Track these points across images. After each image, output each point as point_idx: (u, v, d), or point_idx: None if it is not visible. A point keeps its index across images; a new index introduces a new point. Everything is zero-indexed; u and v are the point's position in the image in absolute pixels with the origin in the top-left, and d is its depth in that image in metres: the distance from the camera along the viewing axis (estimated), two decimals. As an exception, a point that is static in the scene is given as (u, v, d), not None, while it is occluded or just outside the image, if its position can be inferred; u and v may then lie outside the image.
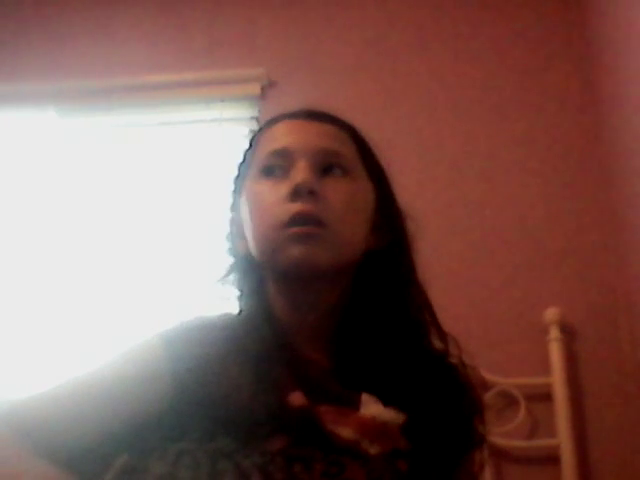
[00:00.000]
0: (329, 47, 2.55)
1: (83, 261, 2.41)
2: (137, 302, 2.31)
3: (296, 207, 0.91)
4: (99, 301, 2.34)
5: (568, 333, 2.16)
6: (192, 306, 1.97)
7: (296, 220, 0.91)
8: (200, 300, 2.06)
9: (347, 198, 0.95)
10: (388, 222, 1.01)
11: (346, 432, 0.86)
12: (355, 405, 0.89)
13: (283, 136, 0.99)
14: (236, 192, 1.05)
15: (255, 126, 2.46)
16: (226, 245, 1.05)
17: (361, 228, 0.97)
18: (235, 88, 2.53)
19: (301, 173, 0.93)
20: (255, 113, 2.50)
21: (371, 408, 0.89)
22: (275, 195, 0.94)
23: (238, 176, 1.06)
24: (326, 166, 0.96)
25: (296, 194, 0.92)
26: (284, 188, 0.93)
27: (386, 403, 0.90)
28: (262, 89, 2.49)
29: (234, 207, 1.05)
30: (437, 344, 1.00)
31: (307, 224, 0.91)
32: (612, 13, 2.18)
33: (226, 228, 1.06)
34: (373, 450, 0.87)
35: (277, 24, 2.59)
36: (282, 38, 2.57)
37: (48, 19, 2.64)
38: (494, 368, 2.03)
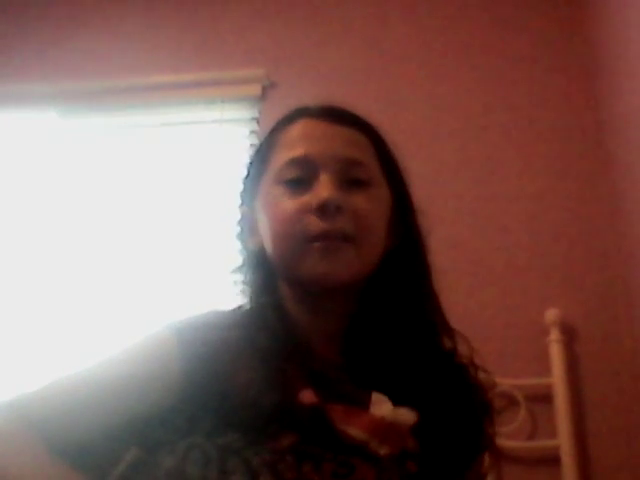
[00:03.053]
0: (329, 48, 2.55)
1: (85, 261, 2.41)
2: (139, 301, 2.31)
3: (323, 225, 0.91)
4: (102, 301, 2.34)
5: (568, 334, 2.17)
6: (196, 303, 1.98)
7: (321, 237, 0.91)
8: (204, 296, 2.06)
9: (370, 210, 0.95)
10: (403, 221, 1.01)
11: (355, 432, 0.86)
12: (365, 404, 0.89)
13: (303, 140, 0.97)
14: (248, 188, 1.04)
15: (256, 127, 2.47)
16: (236, 242, 1.04)
17: (382, 235, 0.97)
18: (236, 89, 2.54)
19: (327, 188, 0.92)
20: (256, 114, 2.50)
21: (381, 408, 0.89)
22: (297, 204, 0.93)
23: (251, 172, 1.04)
24: (349, 178, 0.95)
25: (322, 210, 0.91)
26: (307, 198, 0.93)
27: (397, 402, 0.90)
28: (263, 90, 2.50)
29: (245, 203, 1.04)
30: (448, 343, 0.99)
31: (333, 240, 0.91)
32: (613, 13, 2.19)
33: (235, 226, 1.05)
34: (382, 451, 0.86)
35: (278, 25, 2.60)
36: (283, 39, 2.57)
37: (49, 20, 2.65)
38: (494, 369, 2.02)
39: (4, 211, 2.50)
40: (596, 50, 2.36)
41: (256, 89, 2.50)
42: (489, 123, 2.42)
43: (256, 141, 2.34)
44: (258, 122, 2.48)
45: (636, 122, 2.00)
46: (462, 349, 1.00)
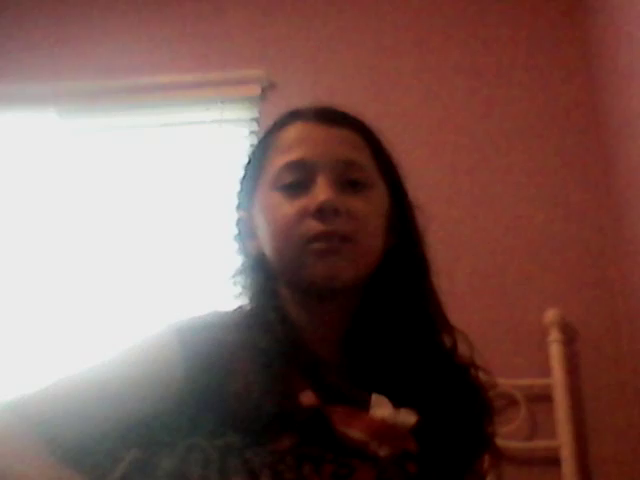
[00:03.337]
0: (329, 48, 2.55)
1: (84, 261, 2.41)
2: (139, 301, 2.31)
3: (321, 227, 0.91)
4: (101, 301, 2.34)
5: (568, 334, 2.16)
6: (198, 303, 1.98)
7: (320, 238, 0.91)
8: (205, 297, 2.06)
9: (368, 211, 0.95)
10: (401, 219, 1.01)
11: (355, 433, 0.86)
12: (365, 406, 0.89)
13: (298, 144, 0.97)
14: (244, 193, 1.04)
15: (255, 127, 2.47)
16: (233, 245, 1.04)
17: (380, 235, 0.97)
18: (235, 89, 2.54)
19: (324, 191, 0.92)
20: (255, 114, 2.50)
21: (381, 409, 0.89)
22: (295, 209, 0.93)
23: (246, 177, 1.04)
24: (346, 179, 0.95)
25: (320, 213, 0.91)
26: (304, 202, 0.93)
27: (397, 404, 0.90)
28: (262, 90, 2.50)
29: (242, 207, 1.04)
30: (448, 341, 0.99)
31: (331, 241, 0.91)
32: (613, 12, 2.19)
33: (233, 228, 1.05)
34: (382, 452, 0.87)
35: (277, 25, 2.60)
36: (282, 39, 2.57)
37: (49, 20, 2.65)
38: (494, 369, 2.01)
39: (4, 211, 2.50)
40: (596, 49, 2.36)
41: (256, 89, 2.50)
42: (488, 123, 2.42)
43: (256, 142, 2.34)
44: (258, 122, 2.47)
45: (636, 122, 2.00)
46: (462, 348, 1.00)
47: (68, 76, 2.57)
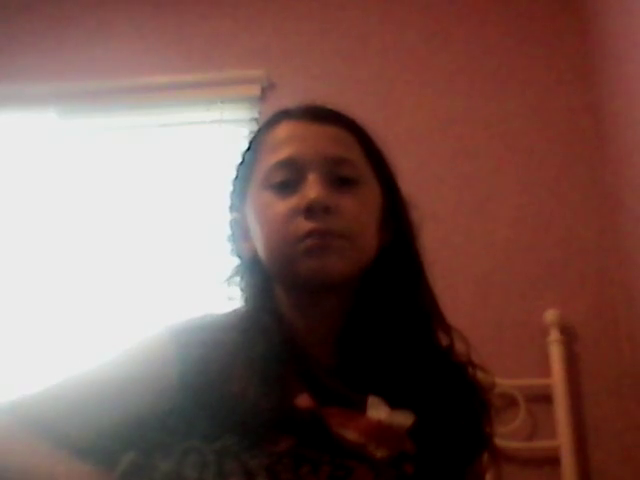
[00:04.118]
0: (329, 49, 2.55)
1: (84, 261, 2.41)
2: (138, 302, 2.31)
3: (311, 225, 0.90)
4: (100, 301, 2.35)
5: (568, 335, 2.16)
6: (195, 304, 1.98)
7: (312, 236, 0.90)
8: (203, 299, 2.07)
9: (360, 207, 0.94)
10: (394, 217, 1.00)
11: (352, 435, 0.86)
12: (361, 407, 0.89)
13: (288, 142, 0.96)
14: (236, 194, 1.03)
15: (255, 127, 2.46)
16: (228, 246, 1.04)
17: (373, 231, 0.96)
18: (235, 89, 2.54)
19: (314, 189, 0.91)
20: (255, 114, 2.50)
21: (377, 411, 0.89)
22: (286, 207, 0.92)
23: (238, 178, 1.04)
24: (336, 176, 0.94)
25: (310, 211, 0.90)
26: (295, 200, 0.92)
27: (393, 405, 0.90)
28: (262, 90, 2.50)
29: (234, 209, 1.03)
30: (445, 340, 0.99)
31: (323, 238, 0.90)
32: (612, 15, 2.19)
33: (227, 229, 1.04)
34: (379, 454, 0.87)
35: (277, 25, 2.60)
36: (282, 39, 2.57)
37: (49, 20, 2.65)
38: (494, 369, 2.01)
39: (3, 211, 2.50)
40: (595, 52, 2.36)
41: (255, 90, 2.50)
42: (488, 124, 2.41)
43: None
44: (258, 123, 2.47)
45: (635, 124, 2.00)
46: (459, 346, 0.99)
47: (68, 76, 2.57)
